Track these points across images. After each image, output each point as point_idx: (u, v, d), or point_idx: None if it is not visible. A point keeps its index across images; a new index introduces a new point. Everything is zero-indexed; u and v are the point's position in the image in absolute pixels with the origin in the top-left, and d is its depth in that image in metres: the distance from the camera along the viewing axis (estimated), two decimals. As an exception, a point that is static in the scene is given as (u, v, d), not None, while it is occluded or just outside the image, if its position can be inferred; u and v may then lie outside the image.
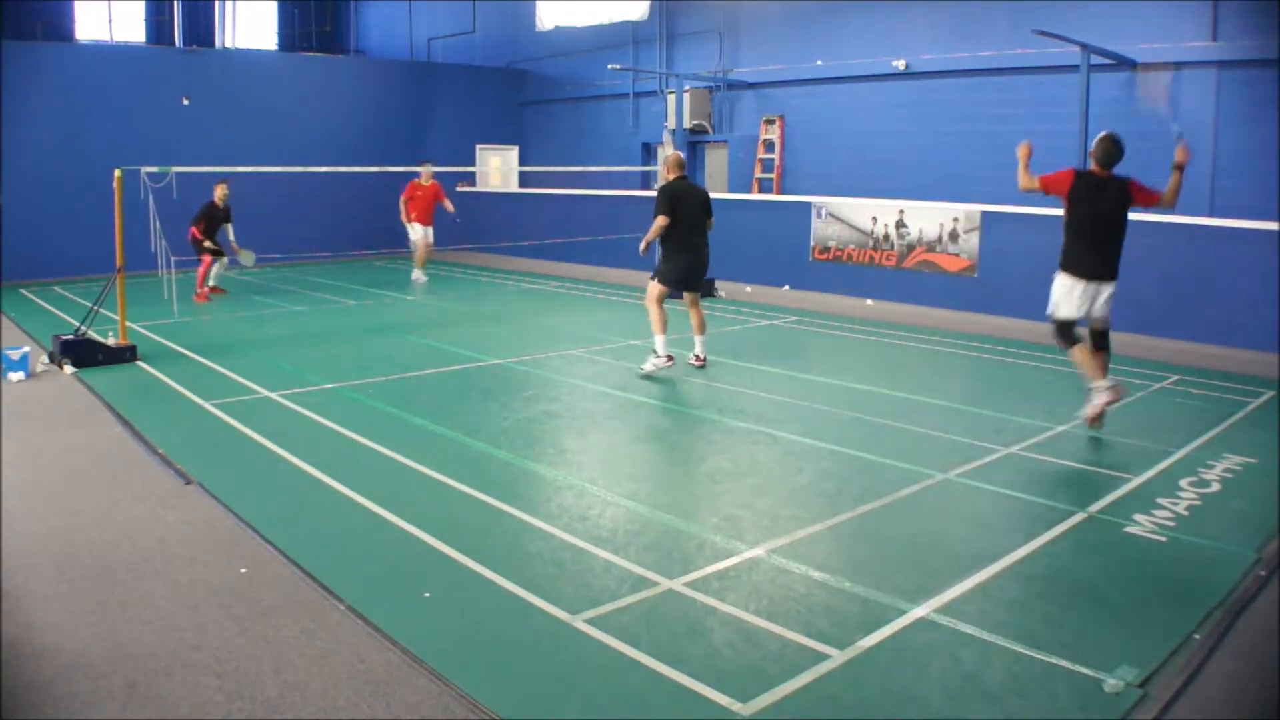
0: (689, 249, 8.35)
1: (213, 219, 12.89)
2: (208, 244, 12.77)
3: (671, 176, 8.46)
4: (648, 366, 8.34)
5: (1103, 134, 6.40)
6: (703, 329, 8.66)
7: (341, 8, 26.54)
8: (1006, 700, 3.28)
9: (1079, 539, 4.74)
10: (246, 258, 13.26)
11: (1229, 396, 7.75)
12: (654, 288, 8.44)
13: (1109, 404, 6.39)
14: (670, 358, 8.33)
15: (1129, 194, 6.33)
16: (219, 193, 12.94)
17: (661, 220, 8.19)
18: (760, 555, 4.47)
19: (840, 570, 4.31)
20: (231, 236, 13.28)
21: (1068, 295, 6.40)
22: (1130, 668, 3.45)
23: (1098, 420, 6.52)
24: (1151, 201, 6.37)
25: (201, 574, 4.26)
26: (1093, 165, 6.40)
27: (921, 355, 9.64)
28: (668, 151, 9.62)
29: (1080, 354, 6.42)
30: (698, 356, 8.61)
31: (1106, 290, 6.40)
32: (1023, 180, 6.57)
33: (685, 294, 8.64)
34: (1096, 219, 6.34)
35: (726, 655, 3.55)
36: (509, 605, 3.96)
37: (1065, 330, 6.44)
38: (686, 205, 8.28)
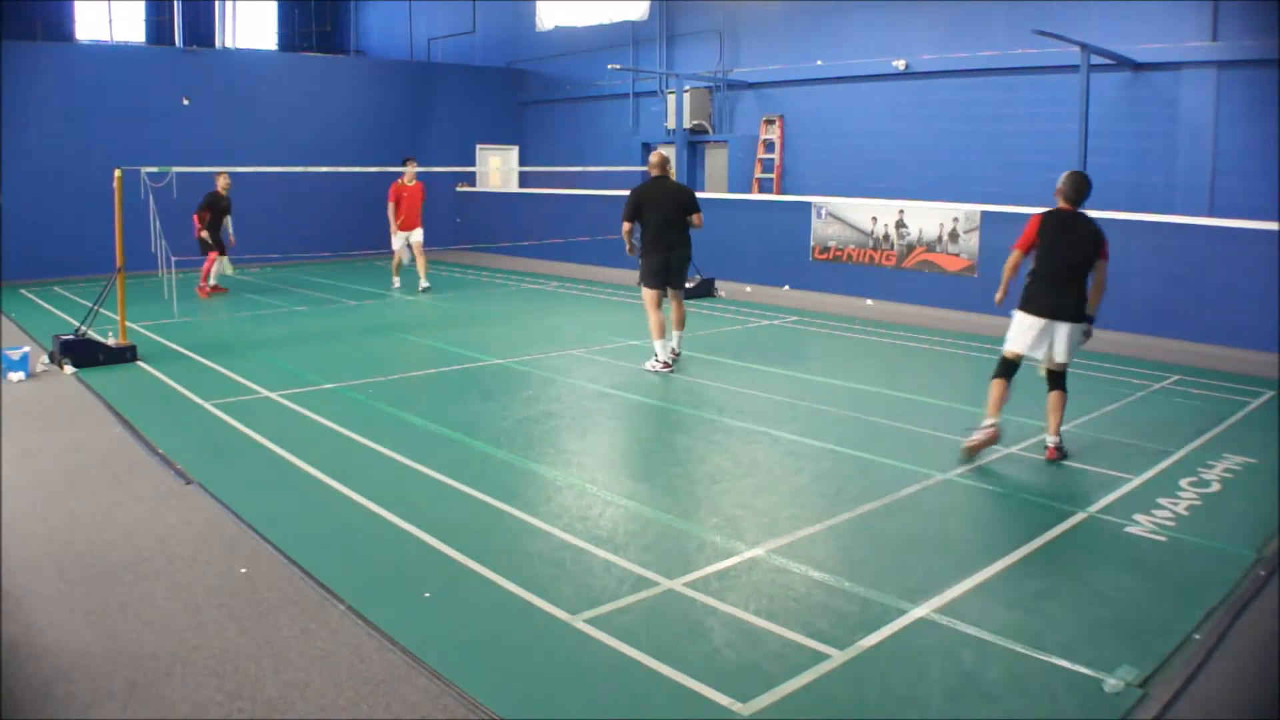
0: (661, 248, 8.47)
1: (217, 208, 12.88)
2: (204, 234, 12.76)
3: (653, 175, 8.63)
4: (645, 366, 8.60)
5: (1071, 171, 6.10)
6: (682, 324, 8.83)
7: (341, 8, 26.55)
8: (1006, 700, 3.28)
9: (1079, 539, 4.74)
10: (225, 266, 13.30)
11: (1229, 396, 7.75)
12: (644, 292, 8.63)
13: (986, 442, 5.99)
14: (669, 365, 8.48)
15: (1099, 240, 5.94)
16: (222, 182, 12.93)
17: (624, 226, 8.46)
18: (760, 555, 4.47)
19: (840, 570, 4.31)
20: (230, 230, 13.24)
21: (1021, 332, 6.06)
22: (1130, 668, 3.45)
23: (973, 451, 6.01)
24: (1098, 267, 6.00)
25: (201, 574, 4.26)
26: (1060, 202, 6.06)
27: (921, 355, 9.64)
28: None
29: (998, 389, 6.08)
30: (673, 351, 8.72)
31: (1064, 330, 5.95)
32: (1008, 270, 6.17)
33: (667, 290, 8.74)
34: (1058, 256, 5.95)
35: (726, 655, 3.55)
36: (509, 605, 3.96)
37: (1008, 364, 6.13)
38: (655, 205, 8.40)
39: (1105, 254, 5.95)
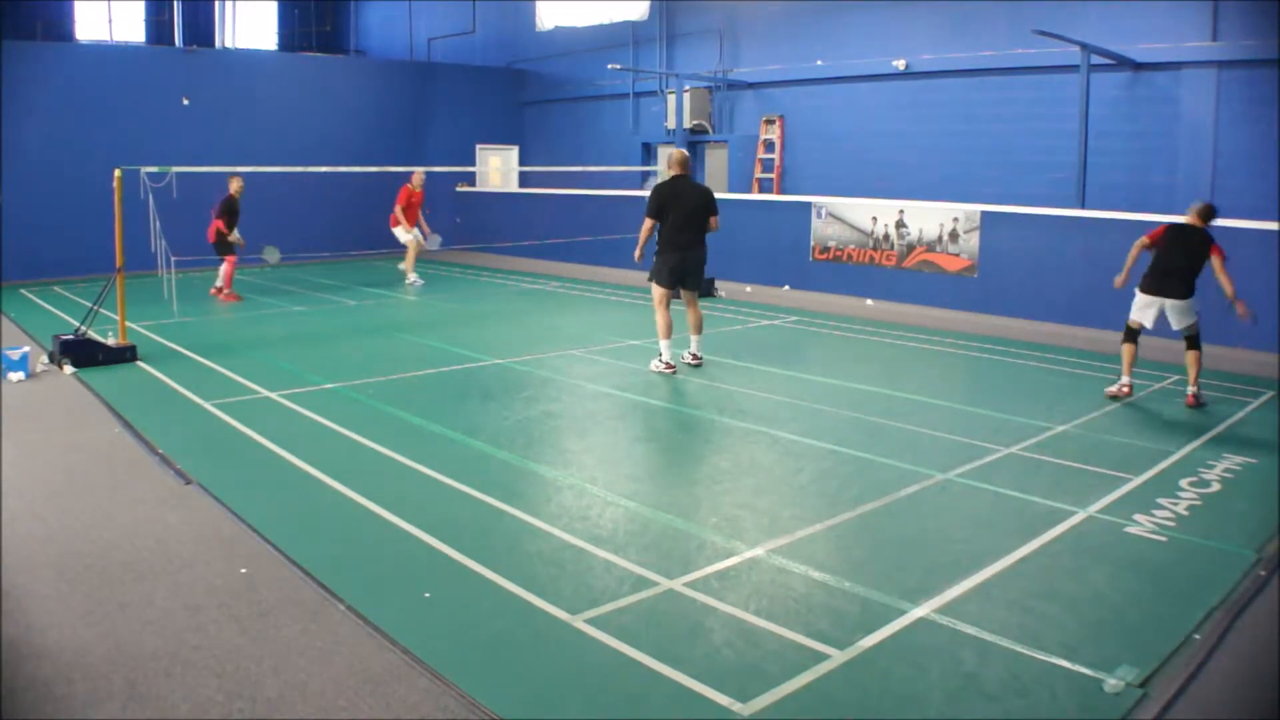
0: (677, 248, 8.38)
1: (234, 212, 12.90)
2: (231, 238, 12.79)
3: (670, 174, 8.52)
4: (650, 366, 8.53)
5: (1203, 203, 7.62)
6: (699, 328, 8.72)
7: (341, 8, 26.53)
8: (1006, 700, 3.28)
9: (1079, 539, 4.74)
10: (271, 254, 13.11)
11: (1229, 396, 7.75)
12: (654, 290, 8.57)
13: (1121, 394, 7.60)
14: (672, 366, 8.43)
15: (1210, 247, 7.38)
16: (234, 185, 12.92)
17: (646, 223, 8.38)
18: (760, 555, 4.47)
19: (840, 570, 4.31)
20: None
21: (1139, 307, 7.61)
22: (1130, 668, 3.45)
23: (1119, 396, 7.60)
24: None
25: (201, 574, 4.26)
26: (1193, 218, 7.54)
27: (921, 355, 9.64)
28: None
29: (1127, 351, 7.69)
30: (694, 355, 8.66)
31: (1172, 305, 7.43)
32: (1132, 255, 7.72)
33: (683, 292, 8.66)
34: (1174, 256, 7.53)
35: (726, 655, 3.55)
36: (509, 605, 3.96)
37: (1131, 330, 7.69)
38: (675, 204, 8.30)
39: (1217, 253, 7.34)
